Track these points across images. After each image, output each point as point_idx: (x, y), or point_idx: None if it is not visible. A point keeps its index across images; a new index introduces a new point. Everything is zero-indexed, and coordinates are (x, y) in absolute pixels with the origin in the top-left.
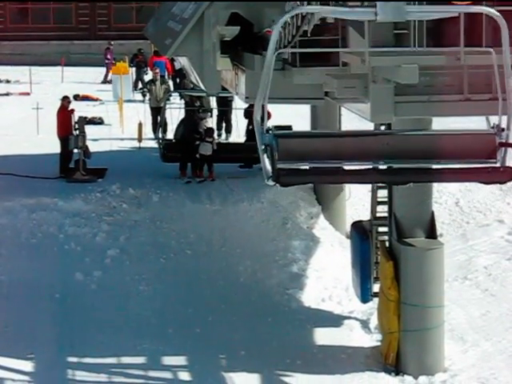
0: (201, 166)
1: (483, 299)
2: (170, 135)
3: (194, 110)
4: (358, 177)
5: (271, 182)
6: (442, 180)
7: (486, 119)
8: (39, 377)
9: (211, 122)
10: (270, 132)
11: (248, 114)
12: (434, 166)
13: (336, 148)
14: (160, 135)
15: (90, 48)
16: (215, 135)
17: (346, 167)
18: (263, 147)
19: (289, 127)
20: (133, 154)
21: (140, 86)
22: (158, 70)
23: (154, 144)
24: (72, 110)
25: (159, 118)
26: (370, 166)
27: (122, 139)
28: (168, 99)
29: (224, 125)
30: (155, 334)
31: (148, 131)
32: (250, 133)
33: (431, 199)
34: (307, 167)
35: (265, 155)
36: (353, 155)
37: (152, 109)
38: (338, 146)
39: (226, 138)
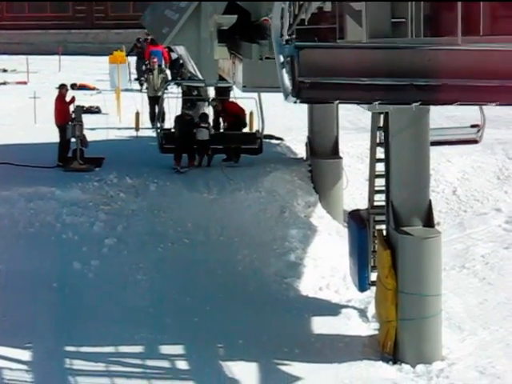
0: (200, 154)
1: (481, 288)
2: (168, 124)
3: (183, 112)
4: (393, 93)
5: (291, 99)
6: (497, 100)
7: None
8: (37, 366)
9: (208, 111)
10: (291, 43)
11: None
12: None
13: (367, 62)
14: (158, 126)
15: (87, 37)
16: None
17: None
18: (282, 60)
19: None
20: (130, 143)
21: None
22: (155, 60)
23: (151, 133)
24: (73, 98)
25: (157, 107)
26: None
27: (119, 128)
28: (166, 89)
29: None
30: (153, 323)
31: (145, 120)
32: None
33: (428, 188)
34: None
35: (283, 70)
36: (387, 72)
37: (149, 98)
38: (369, 60)
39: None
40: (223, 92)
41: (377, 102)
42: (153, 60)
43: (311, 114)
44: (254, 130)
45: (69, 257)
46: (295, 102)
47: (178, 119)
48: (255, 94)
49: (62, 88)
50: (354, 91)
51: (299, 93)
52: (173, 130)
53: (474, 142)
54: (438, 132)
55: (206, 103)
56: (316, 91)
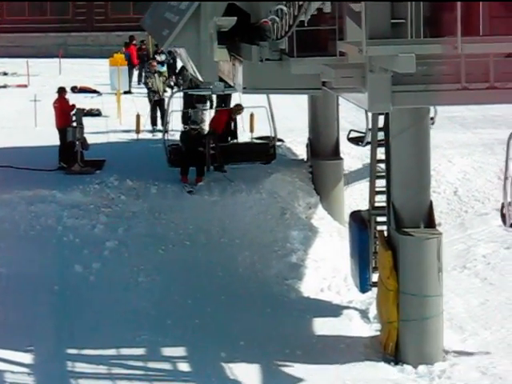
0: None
1: (482, 288)
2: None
3: (189, 128)
4: None
5: None
6: None
7: None
8: (38, 369)
9: (209, 114)
10: None
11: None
12: None
13: None
14: (166, 138)
15: (87, 40)
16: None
17: None
18: None
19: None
20: (131, 145)
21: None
22: (155, 63)
23: (151, 136)
24: (73, 106)
25: (159, 112)
26: None
27: (120, 131)
28: (171, 96)
29: None
30: (154, 325)
31: (146, 123)
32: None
33: (429, 188)
34: None
35: None
36: None
37: (151, 102)
38: None
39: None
40: (225, 98)
41: None
42: (152, 64)
43: (312, 115)
44: (254, 132)
45: (70, 259)
46: None
47: (184, 135)
48: (266, 103)
49: (62, 91)
50: None
51: None
52: (180, 144)
53: None
54: None
55: (207, 105)
56: None
